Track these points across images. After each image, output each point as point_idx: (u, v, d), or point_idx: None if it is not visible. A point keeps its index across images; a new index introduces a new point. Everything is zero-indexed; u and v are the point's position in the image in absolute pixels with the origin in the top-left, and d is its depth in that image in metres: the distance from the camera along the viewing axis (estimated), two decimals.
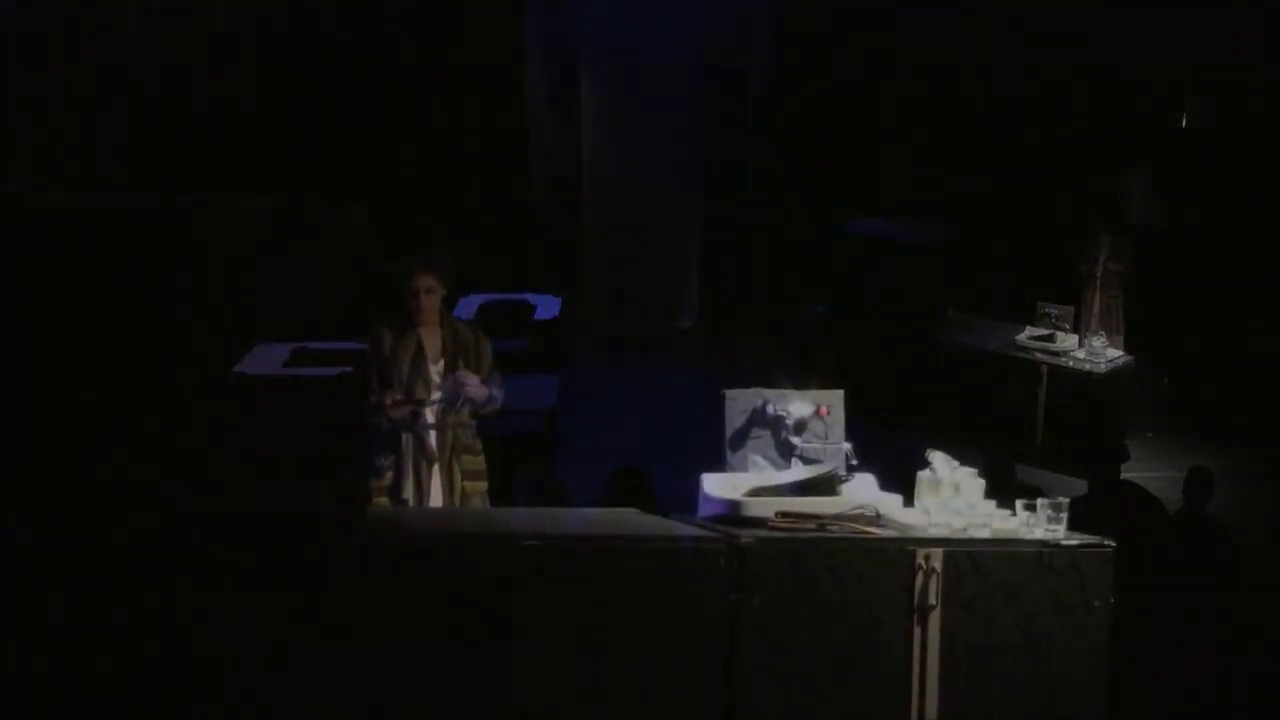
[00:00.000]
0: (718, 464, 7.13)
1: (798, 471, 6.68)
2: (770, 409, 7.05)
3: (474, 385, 8.13)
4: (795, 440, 7.00)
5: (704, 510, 6.45)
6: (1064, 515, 5.91)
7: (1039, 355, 11.79)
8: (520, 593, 5.59)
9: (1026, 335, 11.98)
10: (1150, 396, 12.22)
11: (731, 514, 6.27)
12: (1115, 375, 11.75)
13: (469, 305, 11.86)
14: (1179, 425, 12.17)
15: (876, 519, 6.06)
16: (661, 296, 14.92)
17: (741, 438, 7.03)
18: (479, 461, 8.33)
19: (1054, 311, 12.02)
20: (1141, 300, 12.43)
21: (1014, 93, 14.09)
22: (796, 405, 7.04)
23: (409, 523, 6.72)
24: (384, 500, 8.06)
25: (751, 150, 14.87)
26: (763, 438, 7.03)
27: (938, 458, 6.38)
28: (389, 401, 8.04)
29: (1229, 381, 12.35)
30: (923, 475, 6.38)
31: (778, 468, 6.88)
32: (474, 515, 7.45)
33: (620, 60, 14.51)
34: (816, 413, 7.00)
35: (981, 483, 6.31)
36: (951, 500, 6.19)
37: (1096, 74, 13.65)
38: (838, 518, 6.03)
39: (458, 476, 8.19)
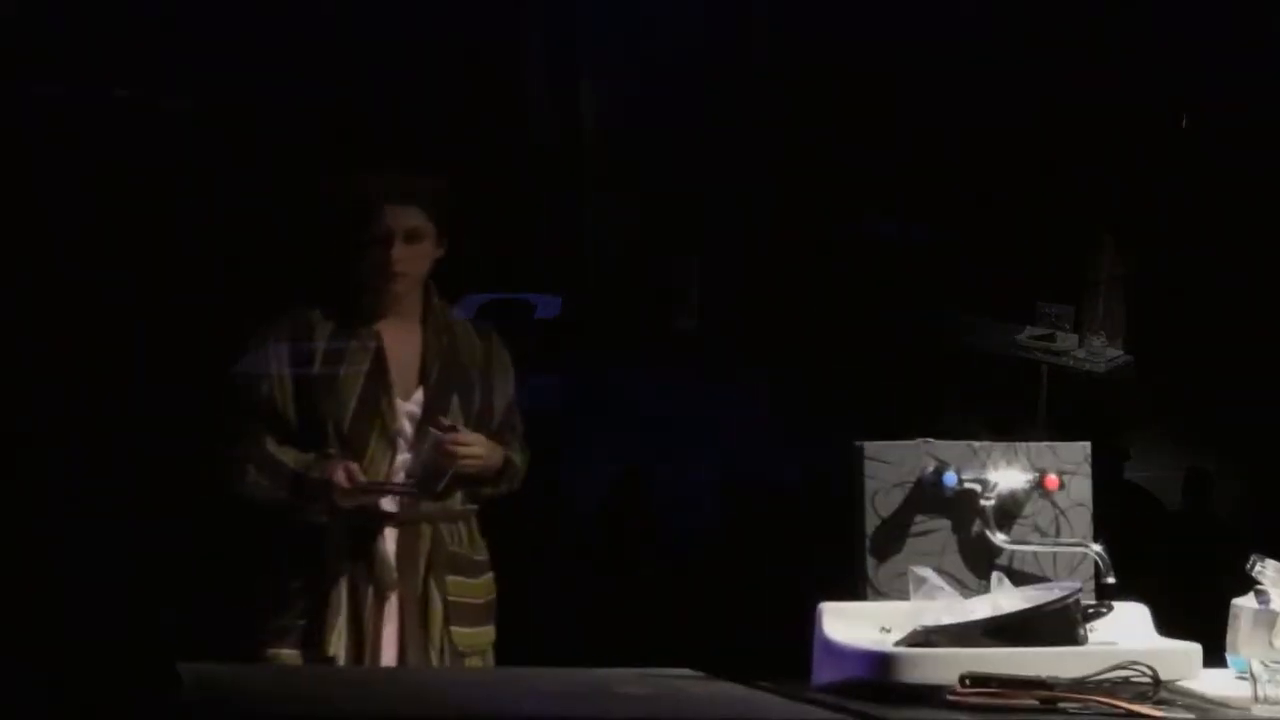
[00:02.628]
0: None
1: (1002, 597, 4.53)
2: (950, 477, 4.61)
3: (474, 448, 5.08)
4: (998, 538, 4.64)
5: (823, 668, 4.42)
6: None
7: (1039, 355, 12.10)
8: None
9: (1026, 335, 12.23)
10: (1149, 397, 12.52)
11: (878, 677, 4.30)
12: (1115, 375, 12.14)
13: (469, 306, 11.43)
14: (1179, 425, 12.36)
15: (1154, 690, 4.17)
16: (663, 296, 14.97)
17: (895, 532, 4.68)
18: (480, 589, 5.25)
19: (1054, 311, 12.33)
20: (1143, 301, 12.84)
21: (1016, 90, 14.38)
22: (1001, 471, 4.63)
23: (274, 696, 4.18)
24: (286, 654, 5.03)
25: (754, 147, 15.26)
26: (934, 531, 4.69)
27: (1272, 571, 4.39)
28: (339, 476, 4.94)
29: (1229, 382, 12.50)
30: (1242, 605, 4.38)
31: (964, 590, 4.67)
32: (423, 686, 4.67)
33: (621, 55, 14.68)
34: (1040, 484, 4.64)
35: None
36: None
37: (1101, 74, 14.12)
38: (1080, 687, 4.17)
39: (437, 617, 5.09)
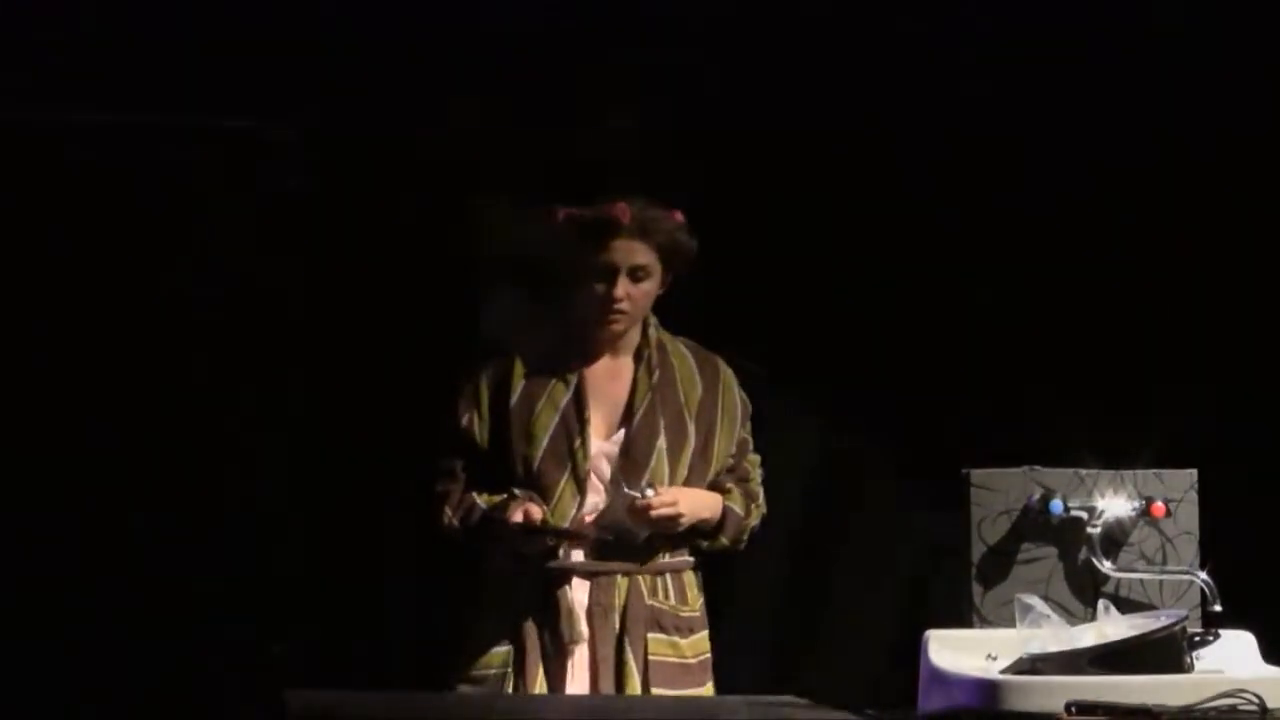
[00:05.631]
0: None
1: (1108, 624, 4.55)
2: (1057, 505, 4.66)
3: (674, 508, 4.68)
4: (1104, 566, 4.70)
5: (930, 696, 4.44)
6: None
7: None
8: None
9: None
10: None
11: (984, 705, 4.29)
12: None
13: None
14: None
15: (1261, 718, 4.17)
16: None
17: (1001, 560, 4.72)
18: (687, 648, 4.83)
19: None
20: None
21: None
22: (1108, 498, 4.68)
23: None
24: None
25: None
26: (1041, 559, 4.74)
27: None
28: (516, 516, 4.66)
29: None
30: None
31: (1070, 617, 4.70)
32: (532, 712, 4.62)
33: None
34: (1147, 511, 4.68)
35: None
36: None
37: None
38: (1186, 715, 4.16)
39: (633, 676, 4.72)
